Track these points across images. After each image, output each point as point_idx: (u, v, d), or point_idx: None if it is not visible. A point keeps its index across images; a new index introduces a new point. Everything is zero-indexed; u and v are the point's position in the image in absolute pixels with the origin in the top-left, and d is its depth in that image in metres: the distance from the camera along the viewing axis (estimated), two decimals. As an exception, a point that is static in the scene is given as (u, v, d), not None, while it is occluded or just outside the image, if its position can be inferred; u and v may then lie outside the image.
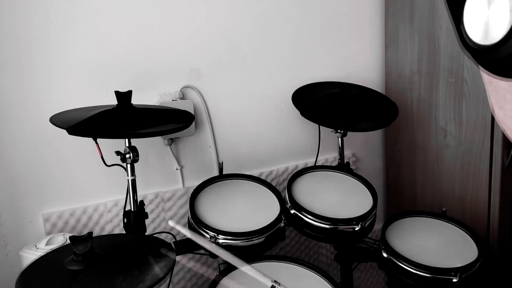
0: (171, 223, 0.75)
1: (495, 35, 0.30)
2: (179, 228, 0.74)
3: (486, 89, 0.40)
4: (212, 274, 1.68)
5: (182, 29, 1.56)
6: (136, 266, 1.00)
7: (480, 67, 0.37)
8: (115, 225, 1.54)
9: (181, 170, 1.63)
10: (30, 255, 1.20)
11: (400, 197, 1.96)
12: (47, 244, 1.28)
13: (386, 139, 2.01)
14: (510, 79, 0.32)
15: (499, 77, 0.33)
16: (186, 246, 1.37)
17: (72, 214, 1.47)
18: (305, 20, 1.76)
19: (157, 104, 1.53)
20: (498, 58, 0.30)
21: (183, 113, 1.36)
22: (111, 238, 1.25)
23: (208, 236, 1.25)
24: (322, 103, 1.63)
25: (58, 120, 1.17)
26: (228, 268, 1.27)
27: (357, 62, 1.90)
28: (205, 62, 1.61)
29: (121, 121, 1.21)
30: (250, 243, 1.26)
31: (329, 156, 1.88)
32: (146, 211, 1.34)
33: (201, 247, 1.31)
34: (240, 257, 1.29)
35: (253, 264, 1.24)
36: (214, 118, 1.66)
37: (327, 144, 1.83)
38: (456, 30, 0.34)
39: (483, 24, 0.31)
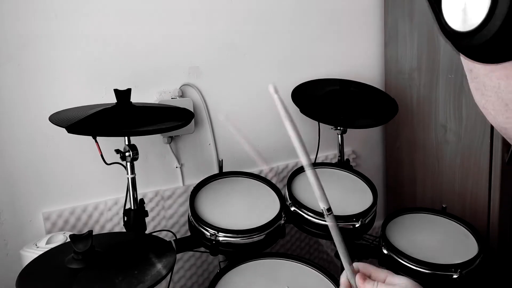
0: (271, 89, 0.61)
1: (473, 22, 0.31)
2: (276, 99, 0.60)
3: (468, 78, 0.40)
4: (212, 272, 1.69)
5: (182, 27, 1.56)
6: (136, 264, 1.00)
7: (461, 55, 0.38)
8: (115, 224, 1.54)
9: (181, 168, 1.63)
10: (31, 254, 1.20)
11: (400, 193, 1.96)
12: (47, 243, 1.28)
13: (386, 136, 2.01)
14: (487, 64, 0.34)
15: (478, 63, 0.34)
16: (186, 244, 1.37)
17: (72, 212, 1.47)
18: (304, 17, 1.75)
19: (157, 102, 1.53)
20: (477, 44, 0.31)
21: (182, 111, 1.36)
22: (111, 236, 1.26)
23: (208, 234, 1.25)
24: (322, 100, 1.63)
25: (57, 119, 1.17)
26: (229, 266, 1.27)
27: (357, 59, 1.89)
28: (205, 60, 1.61)
29: (121, 119, 1.21)
30: (250, 240, 1.26)
31: (329, 153, 1.88)
32: (146, 209, 1.34)
33: (201, 245, 1.31)
34: (240, 255, 1.29)
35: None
36: (214, 116, 1.66)
37: (327, 141, 1.82)
38: (435, 18, 0.36)
39: (461, 11, 0.32)
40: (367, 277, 0.69)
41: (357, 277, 0.68)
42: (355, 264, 0.71)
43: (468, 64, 0.38)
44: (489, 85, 0.36)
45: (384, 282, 0.68)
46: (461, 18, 0.32)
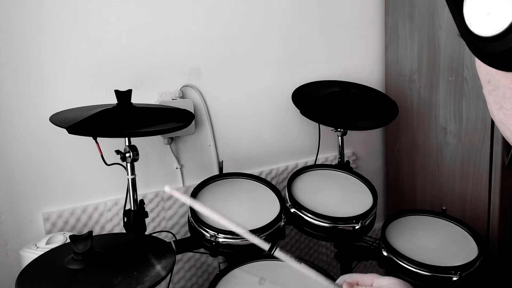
0: (167, 189, 0.66)
1: (499, 26, 0.29)
2: (176, 194, 0.65)
3: (483, 92, 0.38)
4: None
5: (182, 28, 1.56)
6: (136, 265, 1.00)
7: (478, 64, 0.36)
8: (115, 224, 1.54)
9: (181, 169, 1.63)
10: (30, 254, 1.20)
11: (400, 195, 1.96)
12: (47, 243, 1.28)
13: (386, 138, 2.01)
14: (510, 72, 0.31)
15: (500, 72, 0.32)
16: (186, 245, 1.37)
17: (72, 213, 1.47)
18: (305, 19, 1.76)
19: (157, 103, 1.53)
20: (501, 50, 0.29)
21: (183, 112, 1.36)
22: (111, 237, 1.26)
23: (208, 235, 1.25)
24: (322, 102, 1.63)
25: (58, 120, 1.17)
26: (228, 267, 1.27)
27: (357, 60, 1.90)
28: (205, 61, 1.61)
29: (121, 120, 1.21)
30: (250, 242, 1.26)
31: (329, 155, 1.88)
32: (146, 210, 1.34)
33: (201, 246, 1.31)
34: (240, 256, 1.29)
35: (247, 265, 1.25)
36: (214, 117, 1.66)
37: (327, 143, 1.83)
38: (456, 21, 0.33)
39: (485, 15, 0.30)
40: (354, 284, 0.68)
41: (344, 286, 0.68)
42: (341, 278, 0.70)
43: (486, 75, 0.35)
44: (510, 97, 0.33)
45: (372, 286, 0.67)
46: (485, 22, 0.30)
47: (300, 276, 1.27)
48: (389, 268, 1.35)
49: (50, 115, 1.22)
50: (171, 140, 1.58)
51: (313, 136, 1.81)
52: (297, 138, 1.82)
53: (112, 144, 1.32)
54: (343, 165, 1.67)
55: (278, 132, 1.78)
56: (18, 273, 0.99)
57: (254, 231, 1.26)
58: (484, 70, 0.35)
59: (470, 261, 1.28)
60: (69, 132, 1.10)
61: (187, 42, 1.57)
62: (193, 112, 1.55)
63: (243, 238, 1.25)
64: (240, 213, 1.36)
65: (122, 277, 0.95)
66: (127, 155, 1.26)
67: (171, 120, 1.27)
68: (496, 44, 0.29)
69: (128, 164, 1.27)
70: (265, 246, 0.69)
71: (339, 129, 1.64)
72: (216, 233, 1.25)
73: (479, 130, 1.54)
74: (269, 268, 1.28)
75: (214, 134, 1.66)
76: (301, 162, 1.82)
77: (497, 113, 0.36)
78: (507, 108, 0.34)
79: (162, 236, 1.55)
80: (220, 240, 1.25)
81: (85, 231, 1.46)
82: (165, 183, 1.61)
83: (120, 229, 1.52)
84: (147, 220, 1.34)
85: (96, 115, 1.18)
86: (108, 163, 1.27)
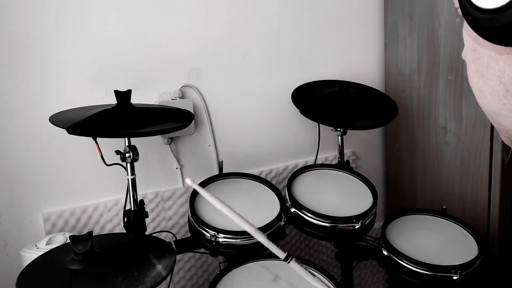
0: (188, 181, 0.71)
1: (500, 0, 0.29)
2: (197, 188, 0.69)
3: (464, 56, 0.39)
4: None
5: (182, 28, 1.56)
6: (136, 265, 1.00)
7: (466, 29, 0.36)
8: (115, 225, 1.54)
9: (181, 169, 1.63)
10: (30, 255, 1.20)
11: (400, 195, 1.96)
12: (47, 244, 1.27)
13: (386, 137, 2.01)
14: (506, 47, 0.32)
15: (490, 43, 0.33)
16: (186, 245, 1.37)
17: (72, 213, 1.47)
18: (304, 19, 1.76)
19: (157, 103, 1.53)
20: (498, 24, 0.30)
21: (182, 112, 1.36)
22: (111, 237, 1.25)
23: (208, 235, 1.25)
24: (322, 101, 1.63)
25: (57, 120, 1.17)
26: (229, 267, 1.27)
27: (357, 60, 1.90)
28: (205, 61, 1.61)
29: (121, 121, 1.21)
30: (251, 241, 1.26)
31: (329, 155, 1.88)
32: (146, 210, 1.34)
33: (201, 246, 1.31)
34: (241, 256, 1.29)
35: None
36: (214, 117, 1.66)
37: (327, 143, 1.83)
38: None
39: None
40: None
41: None
42: None
43: (473, 43, 0.36)
44: (493, 68, 0.35)
45: None
46: None
47: (300, 276, 1.27)
48: (390, 267, 1.35)
49: (50, 115, 1.22)
50: (171, 140, 1.58)
51: (313, 135, 1.81)
52: (297, 137, 1.82)
53: (112, 145, 1.32)
54: (343, 165, 1.67)
55: (278, 132, 1.78)
56: (18, 273, 0.99)
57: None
58: (470, 38, 0.36)
59: (470, 260, 1.28)
60: (69, 133, 1.10)
61: (186, 42, 1.57)
62: (192, 112, 1.55)
63: (243, 238, 1.26)
64: (240, 212, 1.36)
65: (122, 277, 0.95)
66: (127, 155, 1.26)
67: (171, 120, 1.27)
68: (495, 18, 0.30)
69: (128, 164, 1.27)
70: (282, 255, 0.72)
71: (339, 129, 1.64)
72: (216, 233, 1.25)
73: (479, 129, 1.54)
74: (268, 268, 1.28)
75: (214, 134, 1.66)
76: (301, 161, 1.82)
77: (477, 81, 0.37)
78: (488, 77, 0.35)
79: (162, 236, 1.55)
80: (220, 240, 1.25)
81: (85, 231, 1.46)
82: (165, 183, 1.61)
83: (120, 229, 1.52)
84: (147, 220, 1.34)
85: (96, 115, 1.18)
86: (108, 163, 1.27)
